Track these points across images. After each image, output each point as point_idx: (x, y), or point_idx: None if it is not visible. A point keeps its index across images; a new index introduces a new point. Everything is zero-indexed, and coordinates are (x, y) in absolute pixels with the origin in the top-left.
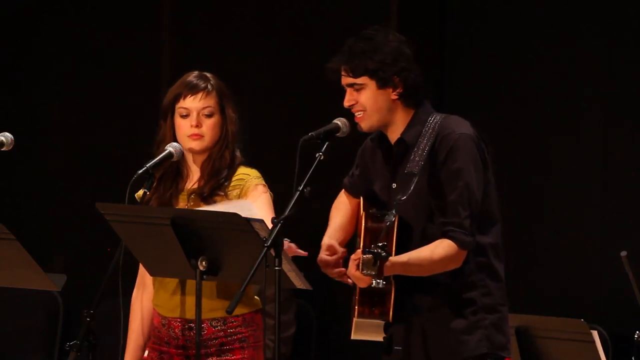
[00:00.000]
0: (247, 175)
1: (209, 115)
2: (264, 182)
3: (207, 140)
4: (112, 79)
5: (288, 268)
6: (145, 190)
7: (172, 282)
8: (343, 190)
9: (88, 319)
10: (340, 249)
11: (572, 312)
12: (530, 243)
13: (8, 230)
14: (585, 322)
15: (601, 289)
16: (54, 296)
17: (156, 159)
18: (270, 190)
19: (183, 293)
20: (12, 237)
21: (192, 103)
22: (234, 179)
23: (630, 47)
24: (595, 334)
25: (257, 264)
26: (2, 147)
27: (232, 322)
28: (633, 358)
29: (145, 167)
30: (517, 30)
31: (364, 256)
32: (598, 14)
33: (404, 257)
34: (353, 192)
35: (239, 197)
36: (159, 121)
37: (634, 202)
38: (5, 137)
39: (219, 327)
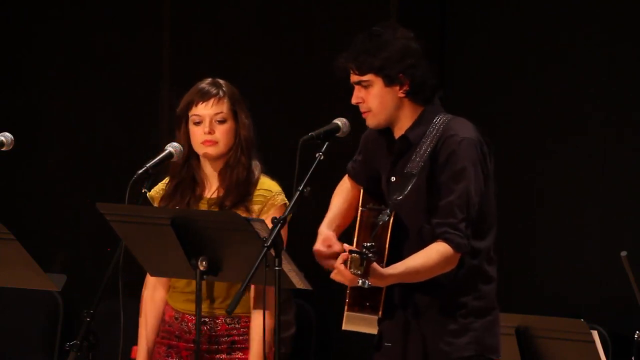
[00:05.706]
0: (270, 192)
1: (222, 122)
2: (286, 200)
3: (222, 146)
4: (112, 79)
5: (288, 268)
6: (145, 189)
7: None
8: (347, 175)
9: (88, 319)
10: (337, 244)
11: (572, 312)
12: (530, 243)
13: (8, 230)
14: (585, 322)
15: (601, 289)
16: (54, 296)
17: (156, 158)
18: None
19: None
20: (12, 237)
21: (204, 110)
22: (255, 192)
23: (631, 48)
24: (595, 334)
25: (257, 264)
26: (2, 147)
27: (246, 322)
28: (633, 358)
29: (145, 167)
30: (518, 30)
31: (352, 255)
32: (599, 15)
33: (399, 267)
34: (357, 178)
35: (260, 211)
36: (160, 124)
37: (634, 202)
38: (5, 137)
39: (232, 325)
